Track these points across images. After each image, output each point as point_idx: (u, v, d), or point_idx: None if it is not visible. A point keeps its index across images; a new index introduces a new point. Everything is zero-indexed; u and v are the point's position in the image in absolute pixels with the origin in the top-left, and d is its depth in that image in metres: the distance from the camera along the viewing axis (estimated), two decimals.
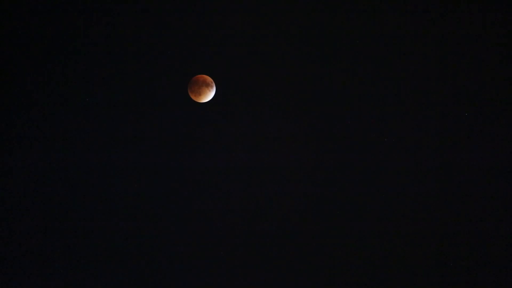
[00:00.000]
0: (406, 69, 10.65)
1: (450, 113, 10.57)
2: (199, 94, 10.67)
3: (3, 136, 10.58)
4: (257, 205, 10.63)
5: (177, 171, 10.71)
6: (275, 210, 10.62)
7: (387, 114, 10.63)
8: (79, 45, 10.68)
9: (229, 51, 10.75)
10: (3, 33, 10.65)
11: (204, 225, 10.63)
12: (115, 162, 10.66)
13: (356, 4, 10.69)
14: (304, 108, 10.70)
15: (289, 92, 10.74)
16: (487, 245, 10.35)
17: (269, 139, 10.71)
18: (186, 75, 10.74)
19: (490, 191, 10.41)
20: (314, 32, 10.73)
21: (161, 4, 10.73)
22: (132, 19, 10.71)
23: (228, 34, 10.75)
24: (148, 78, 10.72)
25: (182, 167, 10.72)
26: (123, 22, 10.71)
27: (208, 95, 10.70)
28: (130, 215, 10.61)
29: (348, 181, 10.58)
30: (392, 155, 10.58)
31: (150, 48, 10.71)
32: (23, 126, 10.59)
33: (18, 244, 10.51)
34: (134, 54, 10.70)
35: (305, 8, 10.74)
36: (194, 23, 10.74)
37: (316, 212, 10.59)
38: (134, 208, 10.63)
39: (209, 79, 10.71)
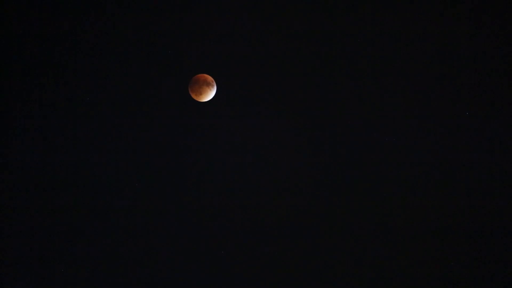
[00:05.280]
0: (406, 69, 10.66)
1: (450, 113, 10.59)
2: (200, 93, 10.68)
3: (3, 136, 10.58)
4: (258, 204, 10.65)
5: (178, 170, 10.72)
6: (275, 210, 10.64)
7: (387, 114, 10.64)
8: (79, 45, 10.67)
9: (230, 51, 10.75)
10: (3, 33, 10.65)
11: (204, 225, 10.65)
12: (115, 162, 10.67)
13: (356, 4, 10.70)
14: (304, 108, 10.72)
15: (289, 92, 10.75)
16: (487, 245, 10.39)
17: (269, 138, 10.72)
18: (187, 74, 10.75)
19: (490, 191, 10.44)
20: (314, 32, 10.73)
21: (161, 4, 10.74)
22: (132, 19, 10.71)
23: (229, 33, 10.75)
24: (148, 78, 10.73)
25: (182, 166, 10.73)
26: (124, 22, 10.71)
27: (209, 94, 10.71)
28: (130, 215, 10.62)
29: (348, 181, 10.60)
30: (392, 155, 10.60)
31: (150, 48, 10.72)
32: (23, 126, 10.59)
33: (18, 244, 10.52)
34: (134, 53, 10.70)
35: (305, 8, 10.74)
36: (194, 23, 10.75)
37: (316, 212, 10.61)
38: (134, 208, 10.64)
39: (209, 78, 10.71)
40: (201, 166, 10.72)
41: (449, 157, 10.55)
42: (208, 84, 10.67)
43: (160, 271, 10.57)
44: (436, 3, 10.64)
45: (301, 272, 10.57)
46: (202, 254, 10.61)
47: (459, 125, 10.56)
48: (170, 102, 10.73)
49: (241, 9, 10.76)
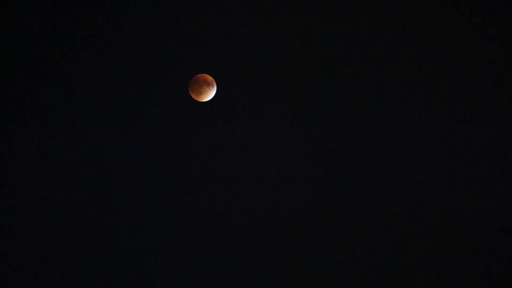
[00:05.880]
0: (406, 69, 10.66)
1: (450, 113, 10.59)
2: (200, 93, 10.68)
3: (3, 136, 10.58)
4: (258, 204, 10.65)
5: (177, 170, 10.72)
6: (275, 210, 10.64)
7: (387, 114, 10.64)
8: (80, 45, 10.68)
9: (230, 50, 10.75)
10: (3, 33, 10.65)
11: (204, 225, 10.65)
12: (115, 162, 10.67)
13: (356, 4, 10.69)
14: (305, 108, 10.72)
15: (290, 92, 10.75)
16: (487, 245, 10.38)
17: (270, 138, 10.72)
18: (187, 74, 10.75)
19: (490, 191, 10.43)
20: (315, 32, 10.73)
21: (161, 4, 10.73)
22: (132, 19, 10.71)
23: (229, 33, 10.75)
24: (148, 78, 10.73)
25: (182, 166, 10.73)
26: (124, 22, 10.71)
27: (209, 94, 10.71)
28: (130, 215, 10.62)
29: (348, 181, 10.60)
30: (392, 155, 10.60)
31: (150, 48, 10.72)
32: (23, 126, 10.60)
33: (18, 244, 10.52)
34: (134, 53, 10.70)
35: (305, 7, 10.74)
36: (194, 23, 10.75)
37: (316, 212, 10.61)
38: (134, 208, 10.64)
39: (209, 78, 10.71)
40: (201, 166, 10.72)
41: (449, 157, 10.54)
42: (208, 84, 10.67)
43: (160, 271, 10.57)
44: (436, 3, 10.64)
45: (301, 272, 10.57)
46: (202, 254, 10.61)
47: (459, 125, 10.56)
48: (170, 102, 10.73)
49: (241, 9, 10.76)
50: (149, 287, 10.54)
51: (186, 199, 10.68)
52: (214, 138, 10.74)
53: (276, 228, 10.61)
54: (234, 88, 10.77)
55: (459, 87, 10.59)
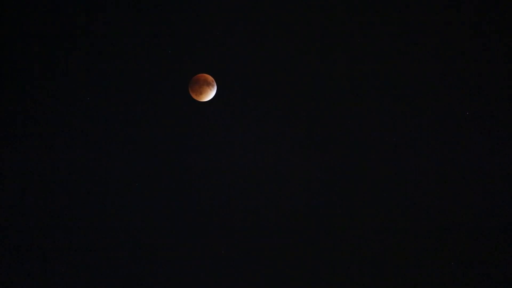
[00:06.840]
0: (406, 69, 10.66)
1: (450, 113, 10.59)
2: (200, 93, 10.68)
3: (3, 136, 10.59)
4: (258, 204, 10.65)
5: (178, 171, 10.73)
6: (275, 210, 10.64)
7: (387, 114, 10.64)
8: (80, 44, 10.68)
9: (230, 50, 10.76)
10: (3, 33, 10.65)
11: (204, 225, 10.65)
12: (115, 162, 10.67)
13: (356, 4, 10.70)
14: (305, 107, 10.72)
15: (290, 91, 10.76)
16: (487, 246, 10.39)
17: (270, 138, 10.73)
18: (187, 74, 10.75)
19: (490, 191, 10.44)
20: (315, 32, 10.74)
21: (161, 3, 10.74)
22: (132, 19, 10.72)
23: (229, 33, 10.76)
24: (148, 77, 10.74)
25: (182, 167, 10.74)
26: (124, 22, 10.71)
27: (209, 94, 10.71)
28: (130, 215, 10.63)
29: (348, 181, 10.61)
30: (392, 155, 10.60)
31: (150, 48, 10.72)
32: (23, 126, 10.60)
33: (18, 244, 10.53)
34: (134, 53, 10.71)
35: (305, 7, 10.74)
36: (194, 23, 10.75)
37: (316, 212, 10.62)
38: (134, 208, 10.65)
39: (210, 78, 10.72)
40: (201, 166, 10.72)
41: (449, 157, 10.54)
42: (208, 84, 10.68)
43: (160, 271, 10.57)
44: (436, 3, 10.64)
45: (301, 272, 10.58)
46: (202, 254, 10.61)
47: (459, 125, 10.56)
48: (170, 102, 10.73)
49: (241, 9, 10.76)
50: (149, 287, 10.55)
51: (186, 198, 10.69)
52: (214, 138, 10.74)
53: (276, 228, 10.62)
54: (234, 88, 10.78)
55: (459, 87, 10.60)
